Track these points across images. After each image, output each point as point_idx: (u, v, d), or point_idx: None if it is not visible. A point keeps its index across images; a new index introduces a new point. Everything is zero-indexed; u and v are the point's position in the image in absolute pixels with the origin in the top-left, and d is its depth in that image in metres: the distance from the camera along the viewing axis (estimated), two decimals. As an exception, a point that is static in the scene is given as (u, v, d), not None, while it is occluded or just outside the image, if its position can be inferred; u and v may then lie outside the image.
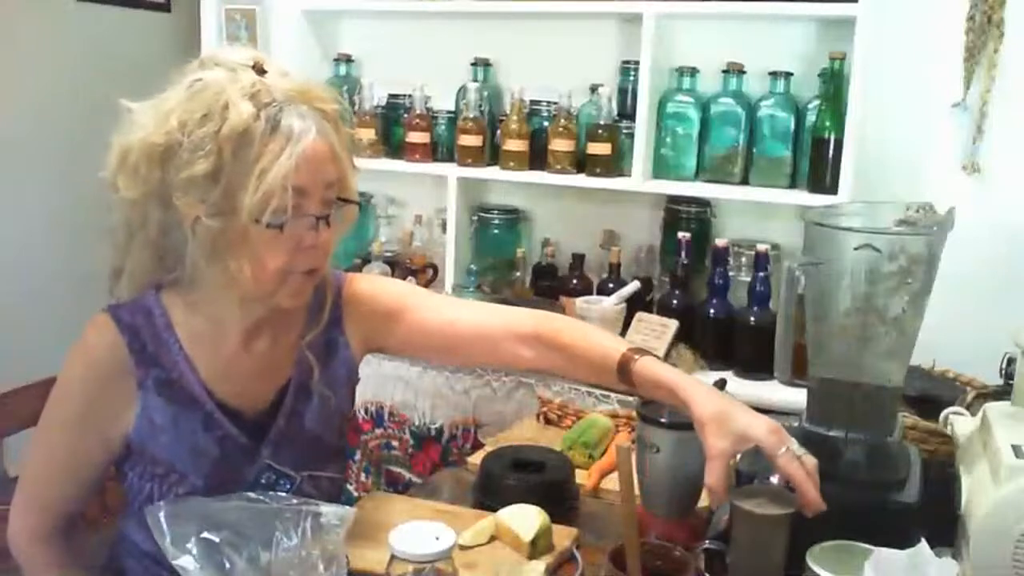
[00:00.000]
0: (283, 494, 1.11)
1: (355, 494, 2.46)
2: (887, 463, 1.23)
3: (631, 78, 2.37)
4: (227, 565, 1.02)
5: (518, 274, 2.49)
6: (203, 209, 1.16)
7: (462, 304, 1.51)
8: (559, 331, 1.37)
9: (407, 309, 1.42)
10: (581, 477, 1.60)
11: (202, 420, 1.27)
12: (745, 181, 2.25)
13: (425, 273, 2.55)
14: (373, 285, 1.46)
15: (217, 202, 1.16)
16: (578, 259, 2.45)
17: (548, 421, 1.95)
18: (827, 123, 2.10)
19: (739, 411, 1.17)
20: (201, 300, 1.28)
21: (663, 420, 1.37)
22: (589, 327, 1.41)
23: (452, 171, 2.47)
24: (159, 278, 1.29)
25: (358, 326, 1.40)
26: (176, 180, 1.16)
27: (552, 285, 2.45)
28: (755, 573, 1.16)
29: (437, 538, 1.06)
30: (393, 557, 1.06)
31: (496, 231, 2.54)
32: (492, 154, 2.49)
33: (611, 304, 2.29)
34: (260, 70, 1.20)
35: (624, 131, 2.34)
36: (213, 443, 1.27)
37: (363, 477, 2.49)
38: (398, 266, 2.55)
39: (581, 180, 2.37)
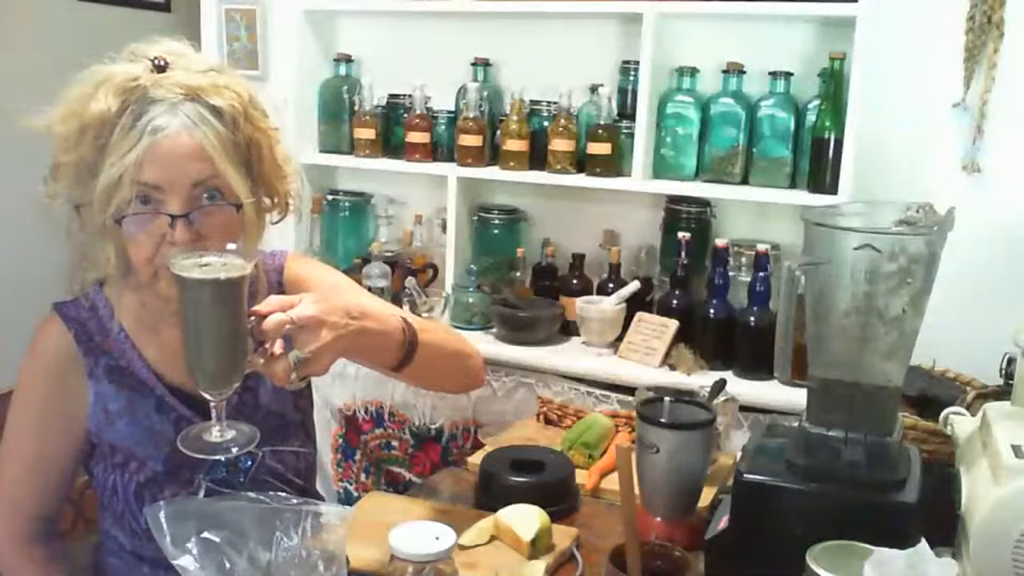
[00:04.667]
0: (282, 494, 1.11)
1: (355, 494, 2.46)
2: (887, 463, 1.23)
3: (631, 78, 2.37)
4: (227, 565, 1.02)
5: (518, 274, 2.49)
6: (78, 197, 1.19)
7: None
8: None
9: (341, 294, 1.42)
10: (581, 477, 1.60)
11: (155, 404, 1.30)
12: (745, 181, 2.25)
13: (425, 273, 2.55)
14: (313, 269, 1.48)
15: (87, 191, 1.18)
16: (578, 259, 2.45)
17: (548, 421, 1.95)
18: (827, 123, 2.10)
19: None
20: (134, 288, 1.29)
21: (663, 420, 1.37)
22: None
23: (452, 171, 2.47)
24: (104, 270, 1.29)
25: None
26: (54, 164, 1.20)
27: (552, 285, 2.45)
28: (199, 343, 1.11)
29: (437, 538, 1.07)
30: (393, 557, 1.06)
31: (496, 231, 2.54)
32: (492, 154, 2.49)
33: (611, 304, 2.29)
34: (159, 66, 1.19)
35: (624, 131, 2.34)
36: (168, 425, 1.29)
37: (363, 477, 2.49)
38: (398, 266, 2.55)
39: (581, 180, 2.37)
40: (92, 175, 1.17)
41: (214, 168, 1.19)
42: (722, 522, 1.27)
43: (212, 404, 1.13)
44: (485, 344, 2.35)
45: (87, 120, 1.16)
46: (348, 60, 2.68)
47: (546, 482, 1.52)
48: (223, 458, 1.32)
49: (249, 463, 1.33)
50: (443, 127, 2.56)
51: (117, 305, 1.31)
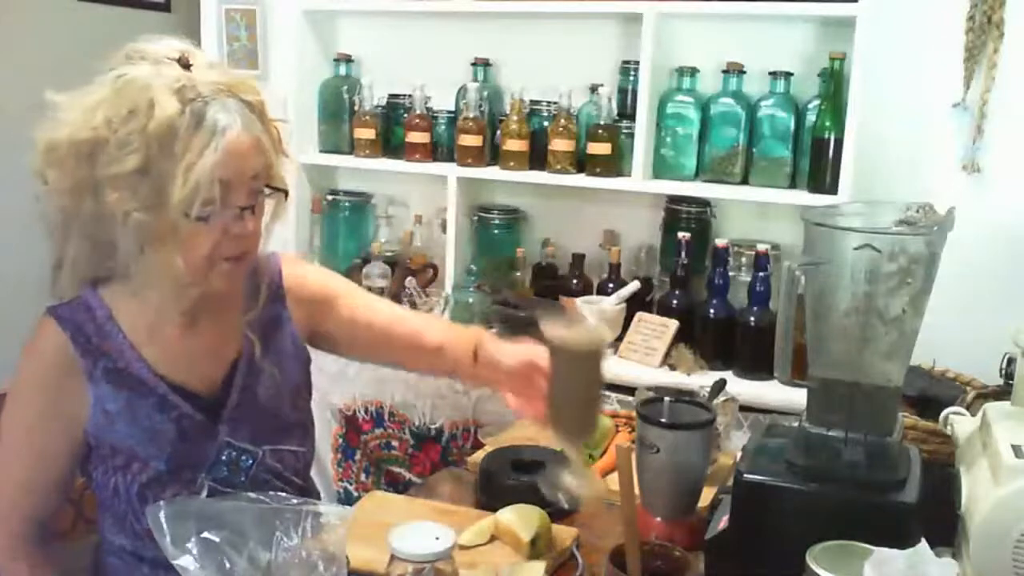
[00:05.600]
0: (282, 494, 1.11)
1: (355, 494, 2.46)
2: (887, 463, 1.22)
3: (631, 78, 2.37)
4: (227, 565, 1.02)
5: (518, 274, 2.49)
6: (133, 204, 1.18)
7: (388, 304, 1.59)
8: (453, 337, 1.47)
9: (344, 296, 1.48)
10: (581, 477, 1.60)
11: (155, 404, 1.29)
12: (745, 181, 2.25)
13: (425, 273, 2.55)
14: (310, 267, 1.54)
15: (147, 196, 1.17)
16: (578, 259, 2.45)
17: (548, 421, 1.95)
18: (827, 123, 2.10)
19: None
20: (138, 288, 1.30)
21: (663, 420, 1.37)
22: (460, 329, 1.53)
23: (452, 171, 2.47)
24: (98, 270, 1.30)
25: (300, 304, 1.44)
26: (105, 176, 1.18)
27: (552, 285, 2.45)
28: (568, 409, 1.23)
29: (437, 538, 1.07)
30: (393, 557, 1.06)
31: (496, 231, 2.54)
32: (492, 154, 2.49)
33: (611, 304, 2.29)
34: (185, 64, 1.20)
35: (624, 131, 2.34)
36: (170, 424, 1.29)
37: (363, 477, 2.49)
38: (398, 266, 2.55)
39: (581, 180, 2.37)
40: (151, 182, 1.17)
41: (266, 160, 1.24)
42: (722, 522, 1.27)
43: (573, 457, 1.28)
44: (485, 344, 2.35)
45: (153, 128, 1.15)
46: (348, 60, 2.68)
47: (546, 482, 1.52)
48: (224, 456, 1.32)
49: (250, 462, 1.34)
50: (443, 127, 2.56)
51: (115, 306, 1.31)
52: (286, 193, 1.30)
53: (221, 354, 1.35)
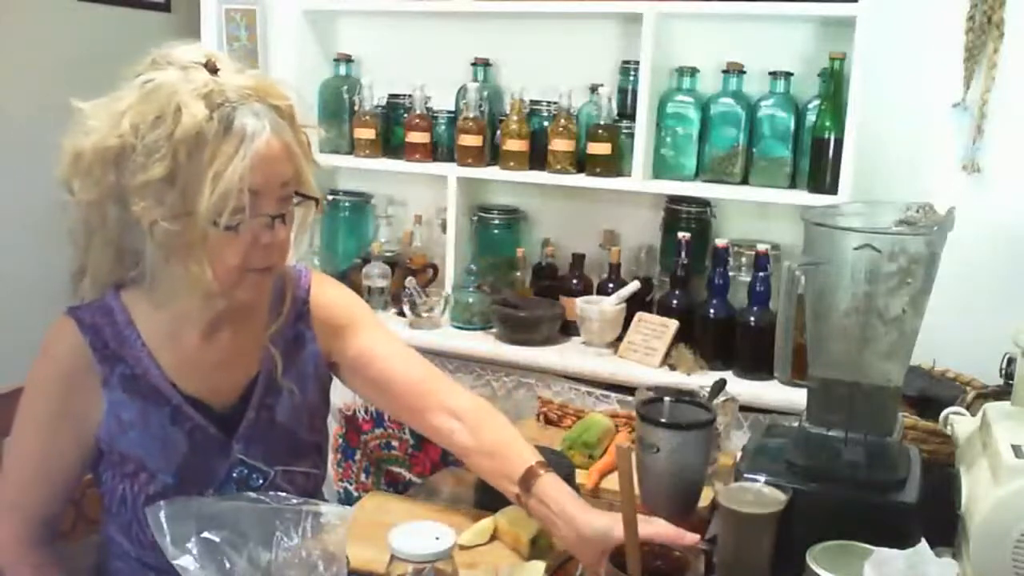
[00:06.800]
0: (283, 494, 1.11)
1: (355, 494, 2.46)
2: (887, 463, 1.23)
3: (631, 78, 2.37)
4: (227, 565, 1.01)
5: (518, 274, 2.49)
6: (160, 213, 1.16)
7: (409, 353, 1.46)
8: (488, 426, 1.39)
9: (365, 328, 1.43)
10: (581, 477, 1.60)
11: (170, 414, 1.28)
12: (745, 181, 2.25)
13: (425, 273, 2.55)
14: (340, 291, 1.47)
15: (174, 205, 1.15)
16: (578, 259, 2.45)
17: (548, 421, 1.96)
18: (827, 123, 2.10)
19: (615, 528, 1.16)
20: (161, 296, 1.28)
21: (663, 420, 1.37)
22: (513, 431, 1.40)
23: (452, 171, 2.47)
24: (121, 276, 1.29)
25: (322, 325, 1.41)
26: (132, 184, 1.16)
27: (552, 285, 2.45)
28: (741, 571, 1.17)
29: (437, 538, 1.07)
30: (393, 557, 1.06)
31: (496, 231, 2.54)
32: (492, 154, 2.49)
33: (611, 304, 2.29)
34: (213, 68, 1.18)
35: (624, 131, 2.34)
36: (182, 436, 1.28)
37: (363, 477, 2.49)
38: (398, 266, 2.55)
39: (581, 180, 2.37)
40: (178, 190, 1.15)
41: (296, 167, 1.21)
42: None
43: None
44: (485, 344, 2.35)
45: (180, 134, 1.13)
46: (348, 60, 2.68)
47: (546, 482, 1.52)
48: (235, 474, 1.31)
49: (260, 482, 1.31)
50: (443, 127, 2.56)
51: (135, 311, 1.30)
52: (317, 201, 1.26)
53: (239, 368, 1.33)
